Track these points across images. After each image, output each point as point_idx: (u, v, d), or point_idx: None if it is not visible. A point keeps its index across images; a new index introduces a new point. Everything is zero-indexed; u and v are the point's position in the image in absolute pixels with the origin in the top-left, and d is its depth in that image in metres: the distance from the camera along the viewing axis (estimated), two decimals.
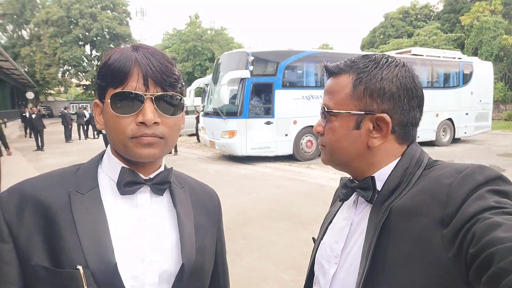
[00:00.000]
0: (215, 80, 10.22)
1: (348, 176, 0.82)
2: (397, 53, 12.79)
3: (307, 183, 7.16)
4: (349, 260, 0.74)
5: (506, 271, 0.46)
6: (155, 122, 0.69)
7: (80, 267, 0.64)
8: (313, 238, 0.93)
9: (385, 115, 0.71)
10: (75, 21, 36.42)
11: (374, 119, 0.72)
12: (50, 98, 45.25)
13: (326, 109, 0.76)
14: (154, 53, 0.71)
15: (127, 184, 0.72)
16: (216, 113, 9.67)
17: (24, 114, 18.78)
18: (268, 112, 9.43)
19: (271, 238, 4.36)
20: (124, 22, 38.89)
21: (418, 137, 11.66)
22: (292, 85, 9.86)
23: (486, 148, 11.95)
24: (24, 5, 38.91)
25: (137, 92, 0.68)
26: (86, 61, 38.04)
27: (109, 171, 0.76)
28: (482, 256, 0.50)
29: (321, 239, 0.85)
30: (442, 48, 21.76)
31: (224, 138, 9.39)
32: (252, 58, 8.90)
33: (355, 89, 0.73)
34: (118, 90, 0.69)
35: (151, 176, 0.77)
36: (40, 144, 12.60)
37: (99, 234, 0.67)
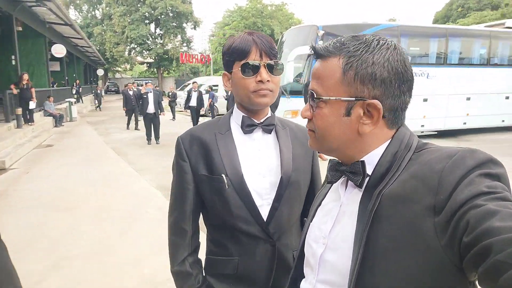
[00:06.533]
0: (279, 57, 9.74)
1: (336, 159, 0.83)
2: (486, 26, 11.19)
3: None
4: (337, 242, 0.74)
5: (505, 263, 0.46)
6: (268, 80, 1.03)
7: (223, 175, 1.07)
8: (304, 219, 0.97)
9: (376, 102, 0.69)
10: (142, 0, 37.87)
11: (365, 105, 0.70)
12: (117, 75, 48.32)
13: (315, 95, 0.74)
14: (262, 36, 1.06)
15: (247, 126, 1.11)
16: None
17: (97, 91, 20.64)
18: None
19: None
20: (187, 0, 39.53)
21: None
22: None
23: None
24: None
25: (255, 61, 1.03)
26: (151, 39, 39.56)
27: (236, 119, 1.15)
28: (478, 246, 0.51)
29: (311, 221, 0.86)
30: None
31: (286, 118, 9.01)
32: (322, 32, 8.30)
33: (345, 74, 0.70)
34: (243, 61, 1.03)
35: (261, 120, 1.13)
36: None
37: (233, 157, 1.08)
